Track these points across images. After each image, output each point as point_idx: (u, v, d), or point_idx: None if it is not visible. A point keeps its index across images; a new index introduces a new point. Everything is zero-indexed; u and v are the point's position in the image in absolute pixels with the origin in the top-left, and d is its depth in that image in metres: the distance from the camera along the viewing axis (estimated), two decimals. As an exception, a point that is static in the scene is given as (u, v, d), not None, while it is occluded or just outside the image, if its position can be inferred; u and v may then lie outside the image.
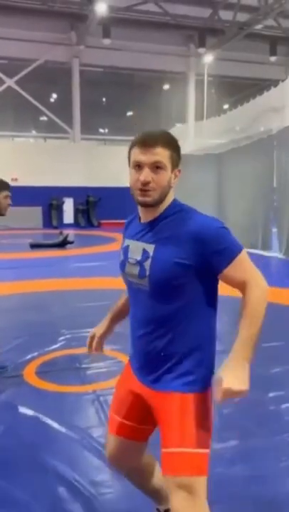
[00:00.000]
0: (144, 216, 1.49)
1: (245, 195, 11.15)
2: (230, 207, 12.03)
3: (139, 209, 1.50)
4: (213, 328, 1.54)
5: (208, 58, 18.47)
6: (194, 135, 20.39)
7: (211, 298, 1.46)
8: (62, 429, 2.68)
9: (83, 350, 3.96)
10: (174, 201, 1.49)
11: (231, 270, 1.38)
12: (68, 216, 19.72)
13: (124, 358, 3.75)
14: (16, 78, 18.78)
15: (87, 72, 19.84)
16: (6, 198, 3.03)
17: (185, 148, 17.47)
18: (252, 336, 1.39)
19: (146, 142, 1.39)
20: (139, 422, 1.59)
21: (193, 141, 19.93)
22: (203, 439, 1.43)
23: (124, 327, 4.87)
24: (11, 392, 3.17)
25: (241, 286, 1.40)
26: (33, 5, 16.01)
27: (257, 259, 8.46)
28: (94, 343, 1.77)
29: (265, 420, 2.79)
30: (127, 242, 1.54)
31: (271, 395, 3.12)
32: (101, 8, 14.56)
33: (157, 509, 1.80)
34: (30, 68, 18.79)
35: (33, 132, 21.02)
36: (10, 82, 18.78)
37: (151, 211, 1.46)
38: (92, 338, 1.78)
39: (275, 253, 10.23)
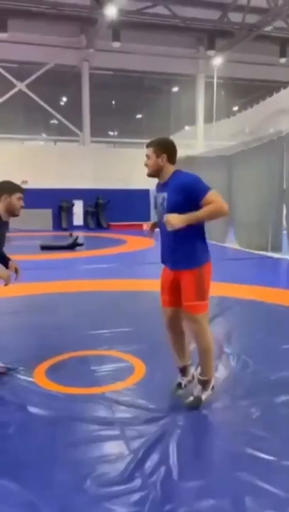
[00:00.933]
0: (161, 181, 2.87)
1: (255, 196, 11.10)
2: (240, 208, 11.98)
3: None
4: (202, 235, 2.85)
5: (218, 60, 18.43)
6: (204, 137, 20.38)
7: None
8: (72, 431, 2.69)
9: (93, 352, 3.99)
10: (175, 171, 2.83)
11: (205, 199, 2.63)
12: (78, 218, 19.81)
13: (134, 360, 3.76)
14: (26, 82, 18.94)
15: (97, 75, 19.92)
16: (18, 199, 3.19)
17: (194, 151, 17.48)
18: (199, 215, 2.63)
19: (146, 144, 2.88)
20: (174, 295, 2.89)
21: (202, 143, 19.92)
22: (202, 295, 2.78)
23: (136, 327, 4.85)
24: (21, 394, 3.19)
25: (210, 203, 2.64)
26: (42, 9, 16.13)
27: (266, 261, 8.35)
28: (149, 227, 3.17)
29: (276, 425, 2.77)
30: (156, 195, 2.91)
31: (283, 398, 3.10)
32: (111, 12, 14.62)
33: (179, 368, 3.16)
34: (40, 72, 18.93)
35: (43, 135, 21.17)
36: (21, 86, 18.95)
37: (160, 179, 2.86)
38: (148, 225, 3.24)
39: (285, 255, 10.17)
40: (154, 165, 2.79)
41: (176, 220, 2.58)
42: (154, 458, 2.39)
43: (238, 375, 3.49)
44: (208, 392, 2.93)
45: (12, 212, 3.19)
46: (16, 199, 3.16)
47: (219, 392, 3.18)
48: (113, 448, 2.51)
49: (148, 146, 2.82)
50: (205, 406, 3.02)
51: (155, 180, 2.99)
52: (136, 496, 2.09)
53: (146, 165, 2.82)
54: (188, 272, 2.76)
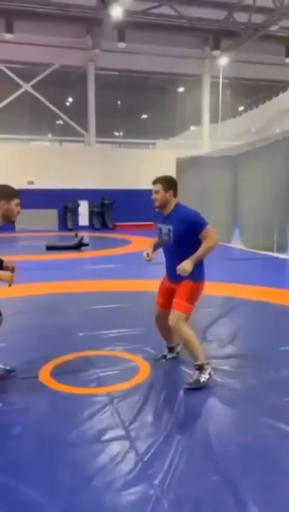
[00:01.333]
0: (164, 213, 3.40)
1: (261, 197, 11.07)
2: (245, 209, 11.95)
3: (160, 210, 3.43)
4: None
5: (223, 60, 18.38)
6: (209, 137, 20.33)
7: (198, 244, 3.25)
8: (77, 431, 2.70)
9: (98, 352, 4.00)
10: (176, 204, 3.38)
11: (202, 233, 3.23)
12: (83, 218, 19.83)
13: (139, 361, 3.76)
14: (32, 82, 19.00)
15: (103, 75, 19.94)
16: (16, 205, 3.15)
17: (200, 151, 17.45)
18: (200, 254, 3.23)
19: (153, 181, 3.39)
20: (167, 299, 3.46)
21: (208, 144, 19.88)
22: (191, 301, 3.30)
23: (141, 327, 4.84)
24: (26, 394, 3.20)
25: (204, 239, 3.24)
26: (48, 10, 16.17)
27: (272, 262, 8.28)
28: (150, 256, 3.52)
29: (280, 426, 2.76)
30: (160, 226, 3.43)
31: (287, 399, 3.09)
32: (116, 12, 14.63)
33: (168, 346, 3.83)
34: (46, 73, 18.98)
35: (49, 136, 21.22)
36: (26, 87, 19.01)
37: (165, 211, 3.39)
38: (148, 254, 3.52)
39: (291, 256, 10.13)
40: (162, 198, 3.31)
41: (188, 268, 3.18)
42: (159, 459, 2.39)
43: (242, 376, 3.49)
44: (206, 376, 3.31)
45: (9, 218, 3.14)
46: (14, 205, 3.11)
47: (223, 393, 3.18)
48: (118, 448, 2.51)
49: (156, 182, 3.32)
50: (210, 407, 3.02)
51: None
52: (140, 497, 2.10)
53: (154, 199, 3.32)
54: (188, 281, 3.28)
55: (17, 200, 3.13)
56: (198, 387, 3.23)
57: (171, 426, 2.72)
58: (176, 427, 2.71)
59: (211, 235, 3.23)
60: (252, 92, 21.16)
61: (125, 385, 3.31)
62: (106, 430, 2.71)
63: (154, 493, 2.11)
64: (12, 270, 3.21)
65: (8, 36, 16.76)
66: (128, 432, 2.67)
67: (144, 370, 3.59)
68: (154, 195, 3.32)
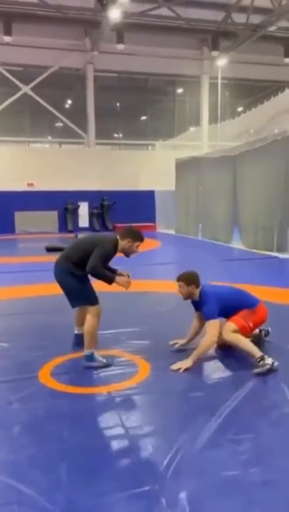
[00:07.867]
0: (195, 299, 3.96)
1: (261, 197, 11.08)
2: (245, 208, 11.96)
3: None
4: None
5: (222, 61, 18.40)
6: (208, 138, 20.35)
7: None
8: (77, 431, 2.71)
9: (98, 352, 4.00)
10: (200, 291, 3.87)
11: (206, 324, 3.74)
12: (83, 220, 19.83)
13: (139, 360, 3.77)
14: (31, 85, 19.03)
15: (102, 77, 19.96)
16: (137, 247, 3.76)
17: (199, 151, 17.46)
18: (196, 354, 3.59)
19: (177, 279, 3.88)
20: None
21: (207, 144, 19.90)
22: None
23: (140, 327, 4.83)
24: (26, 394, 3.21)
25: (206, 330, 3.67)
26: (47, 12, 16.20)
27: (272, 262, 8.24)
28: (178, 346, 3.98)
29: (281, 422, 2.77)
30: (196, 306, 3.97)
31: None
32: (115, 14, 14.66)
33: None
34: (45, 75, 19.01)
35: (49, 138, 21.24)
36: (26, 89, 19.04)
37: (194, 299, 3.94)
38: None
39: (290, 255, 10.13)
40: (186, 293, 3.80)
41: (182, 364, 3.56)
42: (159, 457, 2.40)
43: (248, 375, 3.49)
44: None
45: (127, 254, 3.79)
46: (136, 246, 3.75)
47: (227, 391, 3.19)
48: (118, 447, 2.52)
49: (178, 280, 3.82)
50: (212, 405, 3.02)
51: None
52: (140, 496, 2.10)
53: (179, 292, 3.84)
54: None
55: (139, 243, 3.75)
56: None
57: (171, 425, 2.73)
58: (177, 426, 2.72)
59: (210, 331, 3.61)
60: (251, 92, 21.18)
61: (125, 384, 3.32)
62: (106, 429, 2.72)
63: (154, 492, 2.12)
64: (128, 277, 3.78)
65: (7, 38, 16.78)
66: (128, 431, 2.68)
67: (144, 369, 3.60)
68: (178, 290, 3.79)
